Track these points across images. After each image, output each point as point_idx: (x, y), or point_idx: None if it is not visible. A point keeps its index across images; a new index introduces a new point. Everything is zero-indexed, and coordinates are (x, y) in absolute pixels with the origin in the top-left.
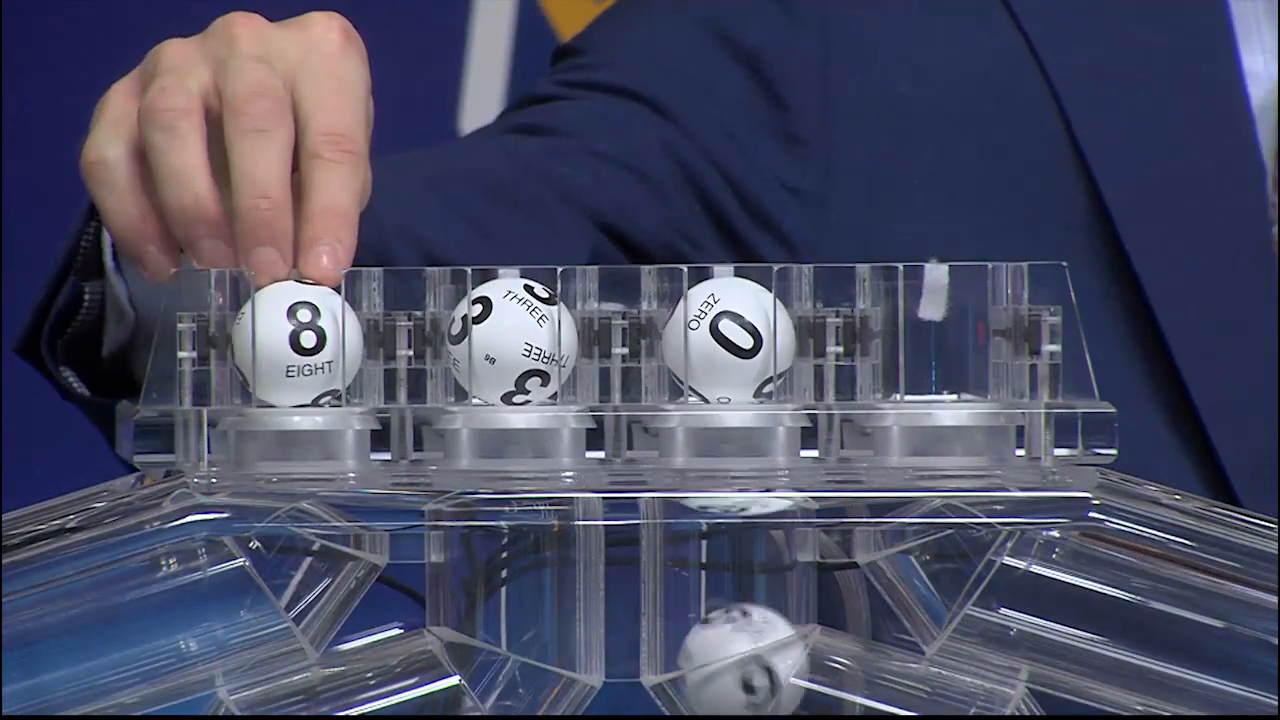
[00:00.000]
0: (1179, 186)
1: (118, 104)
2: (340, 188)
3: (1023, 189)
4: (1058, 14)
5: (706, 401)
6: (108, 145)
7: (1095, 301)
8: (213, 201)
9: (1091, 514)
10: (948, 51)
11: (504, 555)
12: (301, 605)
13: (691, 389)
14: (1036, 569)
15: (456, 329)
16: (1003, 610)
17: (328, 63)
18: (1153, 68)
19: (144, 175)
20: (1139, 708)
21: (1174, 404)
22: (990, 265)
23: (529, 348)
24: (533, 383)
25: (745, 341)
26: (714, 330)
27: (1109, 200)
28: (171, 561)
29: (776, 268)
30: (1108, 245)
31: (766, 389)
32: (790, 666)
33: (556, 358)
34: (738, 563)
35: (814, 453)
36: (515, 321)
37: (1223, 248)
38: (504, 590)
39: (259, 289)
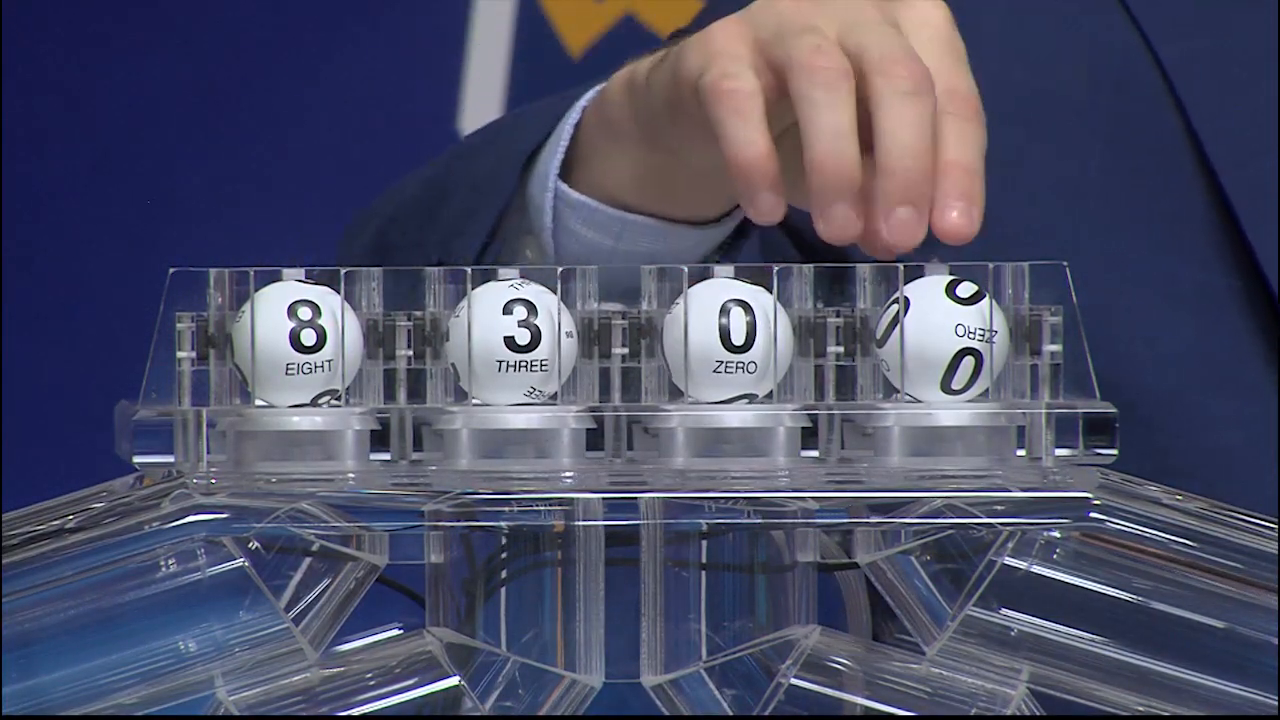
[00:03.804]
0: None
1: (730, 44)
2: (970, 144)
3: (1142, 181)
4: (1171, 4)
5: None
6: (742, 76)
7: (1216, 295)
8: (859, 167)
9: (1092, 514)
10: (1062, 42)
11: (504, 555)
12: (301, 606)
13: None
14: (1037, 569)
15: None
16: (1003, 611)
17: (941, 34)
18: (1269, 56)
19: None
20: (1140, 708)
21: None
22: (991, 265)
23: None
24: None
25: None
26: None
27: (1230, 193)
28: (171, 562)
29: (777, 268)
30: (1229, 238)
31: (766, 389)
32: None
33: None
34: (738, 563)
35: (814, 453)
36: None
37: None
38: (504, 590)
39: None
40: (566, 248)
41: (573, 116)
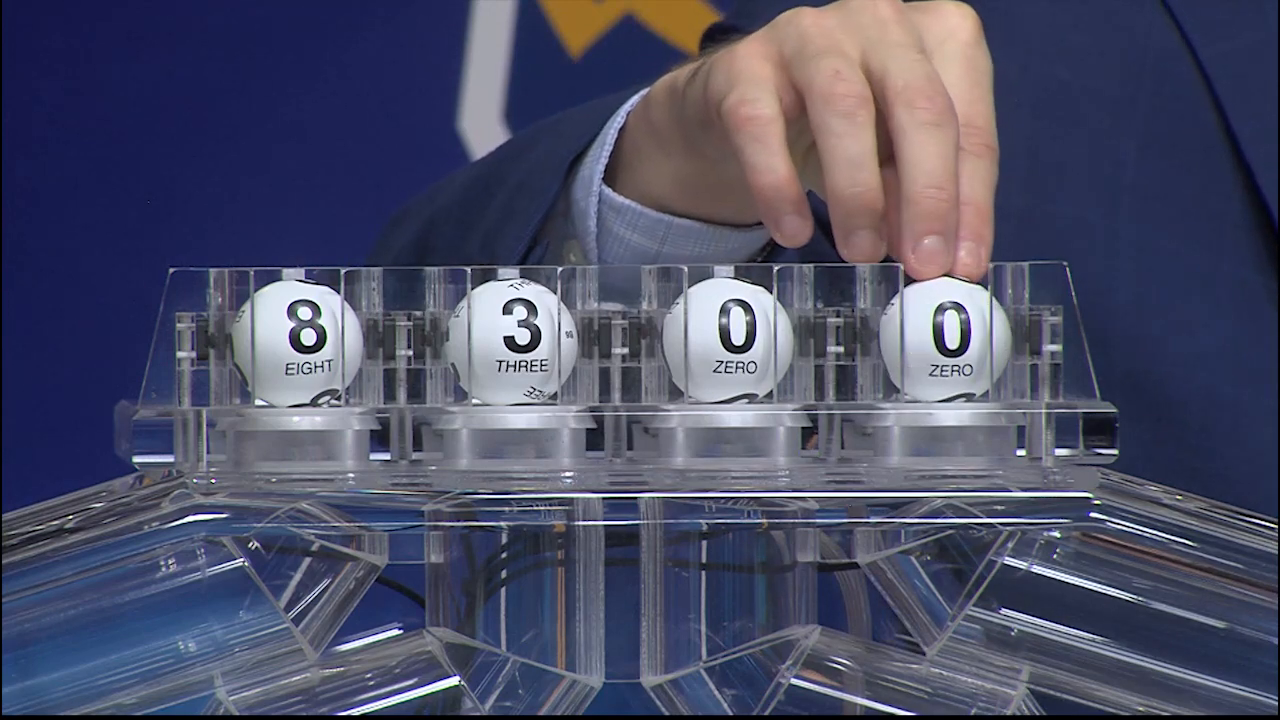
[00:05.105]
0: None
1: (752, 65)
2: (981, 182)
3: (1179, 179)
4: (1211, 3)
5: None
6: (761, 102)
7: (1252, 293)
8: (881, 194)
9: (1092, 514)
10: (1101, 38)
11: (504, 555)
12: (301, 606)
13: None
14: (1037, 569)
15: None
16: (1004, 611)
17: (965, 52)
18: None
19: (789, 140)
20: (1140, 708)
21: None
22: (991, 265)
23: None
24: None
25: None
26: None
27: (1266, 192)
28: (170, 562)
29: (777, 268)
30: (1266, 237)
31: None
32: None
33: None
34: (738, 563)
35: (814, 453)
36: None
37: None
38: (504, 590)
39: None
40: (611, 251)
41: (617, 121)
